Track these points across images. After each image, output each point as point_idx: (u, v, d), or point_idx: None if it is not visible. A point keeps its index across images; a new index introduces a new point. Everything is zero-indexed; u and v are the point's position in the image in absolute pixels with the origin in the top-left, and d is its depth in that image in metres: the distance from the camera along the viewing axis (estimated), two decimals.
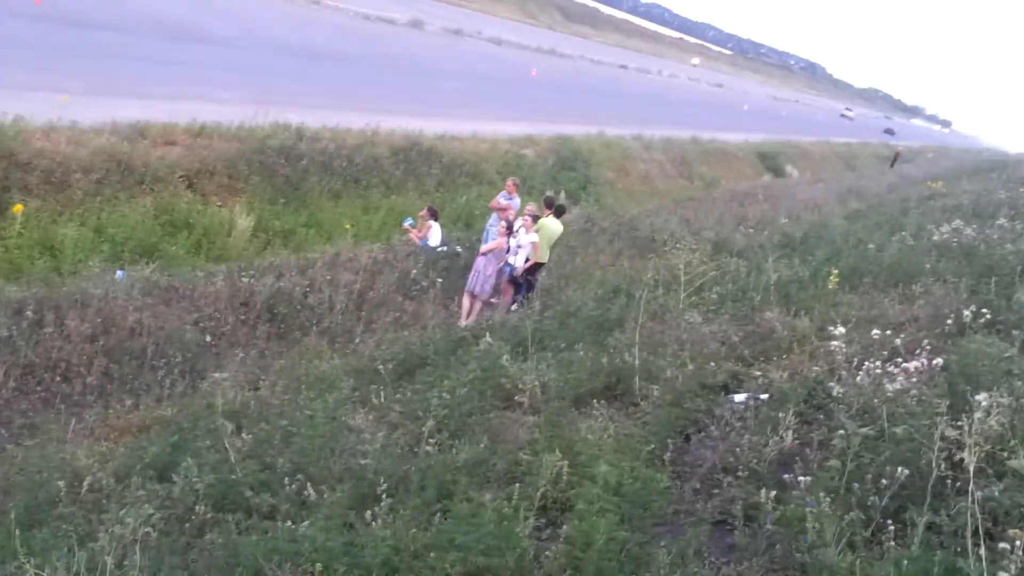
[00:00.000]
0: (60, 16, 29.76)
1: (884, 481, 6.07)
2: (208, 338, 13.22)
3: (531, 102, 46.82)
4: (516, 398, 9.15)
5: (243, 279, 14.66)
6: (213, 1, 46.29)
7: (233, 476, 7.21)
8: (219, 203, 18.88)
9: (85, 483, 7.66)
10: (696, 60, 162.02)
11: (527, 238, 16.17)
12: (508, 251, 16.33)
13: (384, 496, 6.48)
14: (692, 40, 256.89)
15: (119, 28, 31.97)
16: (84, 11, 32.21)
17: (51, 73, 22.43)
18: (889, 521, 5.81)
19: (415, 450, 7.62)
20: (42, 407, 10.96)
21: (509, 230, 16.45)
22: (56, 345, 11.76)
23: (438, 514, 6.44)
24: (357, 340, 13.83)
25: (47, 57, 23.99)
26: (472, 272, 16.31)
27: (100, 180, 17.00)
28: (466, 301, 16.13)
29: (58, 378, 11.53)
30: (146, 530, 6.26)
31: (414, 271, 16.91)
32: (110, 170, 17.32)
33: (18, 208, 15.17)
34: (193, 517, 6.83)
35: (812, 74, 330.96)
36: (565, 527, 6.24)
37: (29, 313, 11.96)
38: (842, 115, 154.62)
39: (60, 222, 15.79)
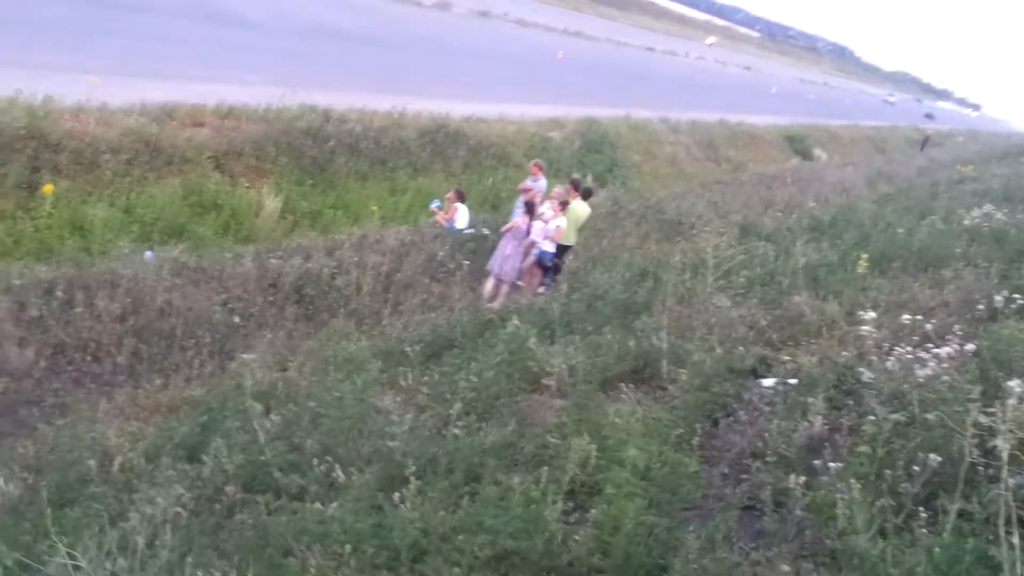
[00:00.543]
0: None
1: (915, 468, 6.02)
2: (236, 319, 13.26)
3: (557, 84, 46.66)
4: (543, 381, 9.11)
5: (271, 260, 14.69)
6: None
7: (262, 457, 7.23)
8: (247, 184, 18.95)
9: (116, 462, 7.68)
10: (712, 39, 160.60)
11: (555, 221, 16.10)
12: (528, 232, 16.23)
13: (412, 478, 6.48)
14: (720, 22, 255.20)
15: (148, 9, 32.08)
16: None
17: (80, 54, 22.60)
18: (920, 508, 5.78)
19: (443, 432, 7.62)
20: (73, 387, 11.03)
21: (530, 211, 16.40)
22: (86, 325, 11.84)
23: (466, 497, 6.43)
24: (384, 322, 13.80)
25: (76, 38, 24.15)
26: (494, 254, 16.31)
27: (129, 161, 17.10)
28: (489, 283, 16.12)
29: (88, 358, 11.60)
30: (176, 510, 6.30)
31: (441, 253, 16.89)
32: (139, 151, 17.41)
33: (48, 188, 15.27)
34: (223, 498, 6.86)
35: (840, 57, 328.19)
36: (593, 511, 6.23)
37: (59, 293, 12.04)
38: (884, 100, 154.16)
39: (90, 202, 15.90)
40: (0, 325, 11.21)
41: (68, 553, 5.77)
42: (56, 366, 11.36)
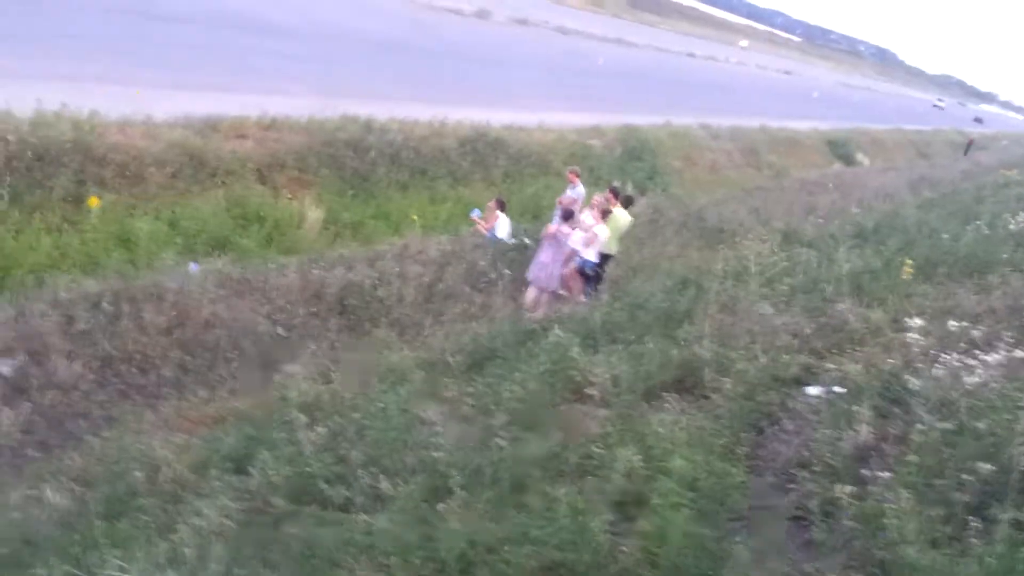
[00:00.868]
0: (131, 9, 30.24)
1: (966, 477, 5.95)
2: (280, 330, 13.36)
3: (598, 91, 46.68)
4: (587, 391, 9.10)
5: (314, 271, 14.79)
6: None
7: (308, 469, 7.26)
8: (289, 196, 19.09)
9: (163, 474, 7.75)
10: (744, 42, 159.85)
11: (597, 229, 16.06)
12: (565, 240, 16.19)
13: (457, 489, 6.50)
14: (760, 27, 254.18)
15: (188, 21, 32.40)
16: (155, 4, 32.70)
17: (124, 67, 22.88)
18: (972, 518, 5.70)
19: (487, 443, 7.62)
20: (120, 399, 11.16)
21: (567, 218, 16.35)
22: (132, 338, 11.97)
23: (512, 508, 6.43)
24: (426, 332, 13.86)
25: (119, 51, 24.44)
26: (533, 263, 16.31)
27: (174, 174, 17.29)
28: (530, 293, 16.10)
29: (135, 370, 11.73)
30: (224, 522, 6.35)
31: (482, 263, 16.93)
32: (183, 164, 17.61)
33: (94, 202, 15.46)
34: (270, 509, 6.89)
35: (883, 60, 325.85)
36: (640, 522, 6.21)
37: (106, 306, 12.18)
38: (934, 105, 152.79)
39: (135, 215, 16.10)
40: (48, 338, 11.35)
41: (118, 565, 5.83)
42: (103, 379, 11.48)
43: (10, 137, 15.16)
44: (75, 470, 8.65)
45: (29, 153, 15.25)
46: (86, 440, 9.57)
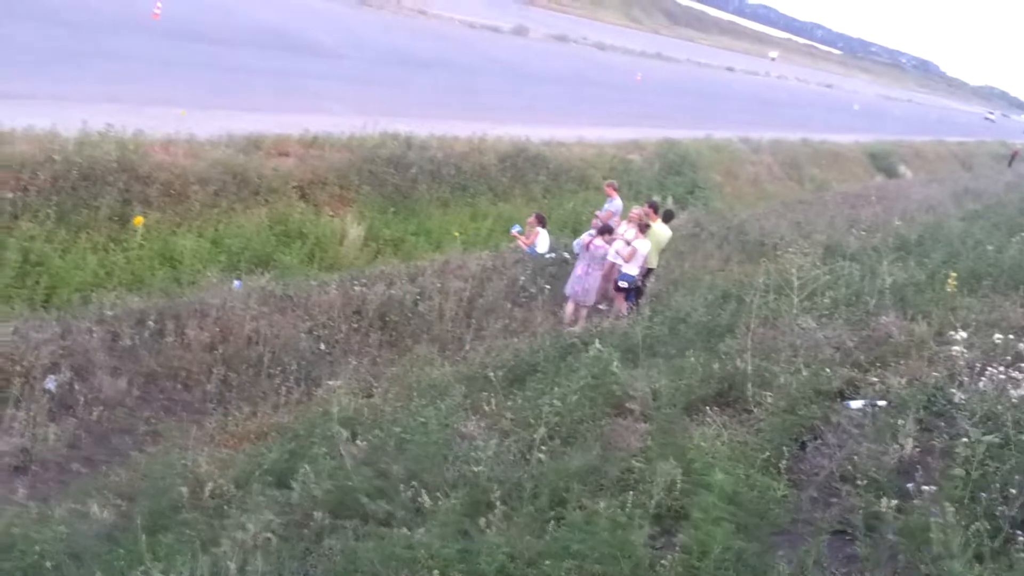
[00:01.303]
0: (175, 31, 30.63)
1: (1012, 490, 5.89)
2: (322, 346, 13.45)
3: (637, 106, 46.68)
4: (627, 405, 9.08)
5: (355, 287, 14.86)
6: (320, 13, 47.14)
7: (349, 483, 7.30)
8: (331, 213, 19.22)
9: (207, 489, 7.81)
10: (774, 54, 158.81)
11: (638, 243, 16.01)
12: (599, 253, 16.13)
13: (498, 503, 6.51)
14: (800, 40, 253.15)
15: (231, 42, 32.82)
16: (197, 25, 33.14)
17: (167, 87, 23.18)
18: (1018, 532, 5.64)
19: (527, 457, 7.63)
20: (164, 414, 11.27)
21: (604, 232, 16.29)
22: (177, 354, 12.11)
23: (552, 521, 6.44)
24: (467, 347, 13.88)
25: (162, 71, 24.77)
26: (570, 277, 16.27)
27: (217, 192, 17.46)
28: (569, 307, 16.08)
29: (179, 386, 11.85)
30: (266, 535, 6.39)
31: (522, 278, 16.96)
32: (226, 182, 17.78)
33: (139, 220, 15.65)
34: (311, 523, 6.93)
35: (924, 72, 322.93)
36: (680, 536, 6.19)
37: (151, 323, 12.33)
38: (985, 118, 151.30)
39: (179, 233, 16.26)
40: (94, 355, 11.49)
41: None
42: (148, 394, 11.61)
43: (56, 157, 15.38)
44: (120, 485, 8.76)
45: (75, 173, 15.48)
46: (131, 456, 9.68)
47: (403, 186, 21.27)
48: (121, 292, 13.67)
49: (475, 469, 7.27)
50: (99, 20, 29.50)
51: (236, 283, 14.51)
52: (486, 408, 9.41)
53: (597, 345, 10.33)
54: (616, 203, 19.20)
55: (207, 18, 35.40)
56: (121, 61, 24.69)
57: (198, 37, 31.43)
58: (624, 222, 17.16)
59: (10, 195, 14.59)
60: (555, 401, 8.51)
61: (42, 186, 15.08)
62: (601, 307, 16.55)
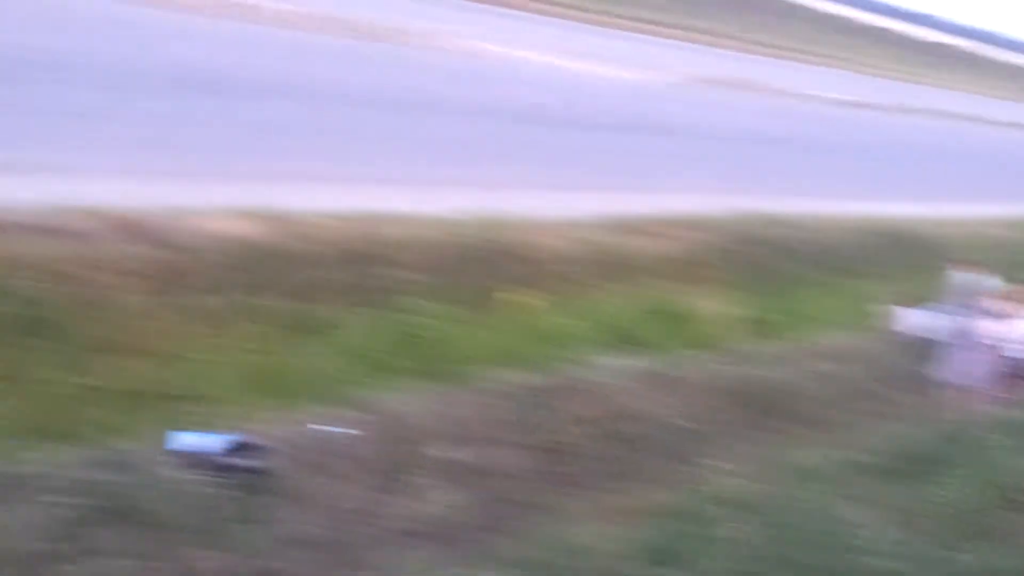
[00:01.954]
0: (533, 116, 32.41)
1: None
2: (696, 425, 13.54)
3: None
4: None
5: (726, 367, 14.90)
6: (676, 94, 48.12)
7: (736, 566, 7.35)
8: (702, 292, 19.41)
9: (590, 563, 8.07)
10: None
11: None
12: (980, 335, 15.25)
13: None
14: None
15: (561, 123, 34.11)
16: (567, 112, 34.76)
17: (544, 171, 24.48)
18: None
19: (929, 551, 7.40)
20: (550, 487, 11.69)
21: (987, 312, 15.42)
22: (562, 428, 12.55)
23: None
24: (840, 430, 13.57)
25: (523, 157, 26.30)
26: (952, 360, 15.53)
27: (586, 270, 18.09)
28: (952, 392, 15.31)
29: (564, 459, 12.26)
30: None
31: (901, 360, 16.39)
32: (595, 261, 18.39)
33: (528, 300, 16.45)
34: None
35: None
36: None
37: (532, 397, 12.88)
38: None
39: (552, 311, 16.93)
40: (489, 428, 12.11)
41: None
42: (536, 468, 12.07)
43: (454, 239, 16.60)
44: (512, 554, 9.17)
45: (471, 253, 16.62)
46: (522, 526, 10.12)
47: (772, 265, 21.19)
48: (494, 366, 14.35)
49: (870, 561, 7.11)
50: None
51: (608, 361, 14.87)
52: (866, 494, 9.18)
53: (990, 435, 9.88)
54: (992, 281, 18.10)
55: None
56: (479, 145, 26.49)
57: (569, 124, 33.07)
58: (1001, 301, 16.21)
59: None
60: (941, 491, 8.22)
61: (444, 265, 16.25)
62: (994, 394, 15.65)
